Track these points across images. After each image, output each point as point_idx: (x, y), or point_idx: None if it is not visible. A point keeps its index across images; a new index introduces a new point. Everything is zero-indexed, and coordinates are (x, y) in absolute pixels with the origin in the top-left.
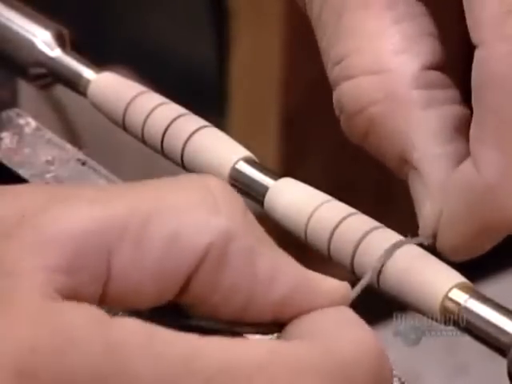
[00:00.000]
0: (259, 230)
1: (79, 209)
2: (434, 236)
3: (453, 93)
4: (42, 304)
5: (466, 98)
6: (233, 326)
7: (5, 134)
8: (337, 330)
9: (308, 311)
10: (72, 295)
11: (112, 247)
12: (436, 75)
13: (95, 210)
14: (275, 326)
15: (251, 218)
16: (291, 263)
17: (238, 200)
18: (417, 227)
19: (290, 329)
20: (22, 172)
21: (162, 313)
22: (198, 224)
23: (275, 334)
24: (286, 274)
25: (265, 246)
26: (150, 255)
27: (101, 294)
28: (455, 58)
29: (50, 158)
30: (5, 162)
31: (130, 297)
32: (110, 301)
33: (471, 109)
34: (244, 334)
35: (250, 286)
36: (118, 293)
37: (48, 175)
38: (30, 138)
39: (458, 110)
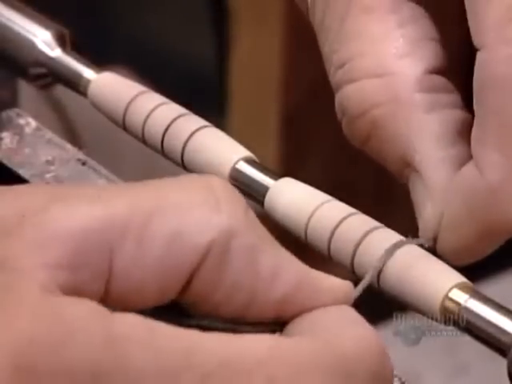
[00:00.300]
0: (261, 229)
1: (80, 208)
2: (435, 239)
3: (455, 97)
4: (42, 298)
5: (466, 102)
6: (234, 325)
7: (5, 134)
8: (338, 327)
9: (310, 309)
10: (74, 293)
11: (113, 245)
12: (438, 79)
13: (96, 208)
14: (277, 325)
15: (253, 216)
16: (293, 261)
17: (239, 199)
18: (417, 228)
19: (291, 327)
20: (22, 172)
21: (163, 313)
22: (199, 222)
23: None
24: (288, 271)
25: (266, 244)
26: (152, 253)
27: (103, 293)
28: (455, 63)
29: (50, 157)
30: (5, 161)
31: (133, 295)
32: (112, 300)
33: (472, 113)
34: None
35: (252, 283)
36: (120, 292)
37: (48, 175)
38: (30, 137)
39: (459, 114)
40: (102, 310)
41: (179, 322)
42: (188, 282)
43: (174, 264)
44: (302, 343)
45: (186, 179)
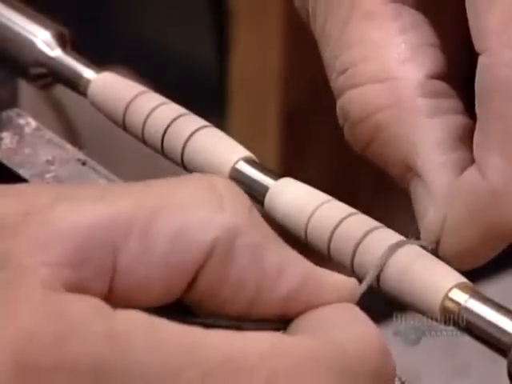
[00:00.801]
0: (265, 226)
1: (84, 206)
2: (437, 243)
3: (455, 102)
4: (44, 295)
5: (466, 107)
6: (239, 324)
7: (5, 134)
8: (340, 325)
9: (315, 306)
10: (77, 290)
11: (118, 243)
12: (439, 84)
13: (100, 207)
14: (281, 322)
15: (256, 214)
16: (298, 258)
17: (243, 197)
18: (416, 229)
19: (296, 324)
20: (22, 172)
21: (167, 312)
22: (203, 220)
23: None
24: (293, 268)
25: (271, 242)
26: (156, 251)
27: (107, 291)
28: (454, 68)
29: (50, 157)
30: (5, 161)
31: (137, 293)
32: (116, 298)
33: (472, 118)
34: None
35: (257, 280)
36: (124, 289)
37: (48, 175)
38: (30, 137)
39: (460, 119)
40: (104, 307)
41: (183, 321)
42: (193, 280)
43: (178, 262)
44: (303, 340)
45: (189, 178)
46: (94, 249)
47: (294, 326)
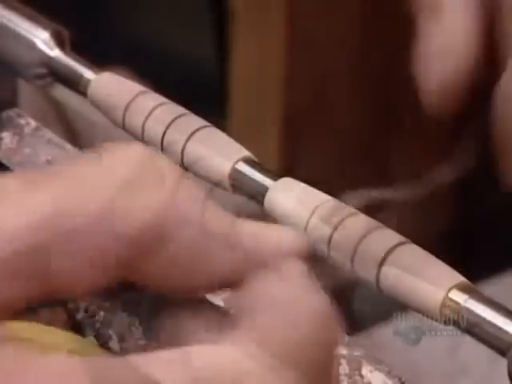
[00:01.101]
0: (200, 194)
1: (6, 213)
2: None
3: None
4: None
5: None
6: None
7: (5, 134)
8: (276, 310)
9: (265, 264)
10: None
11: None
12: None
13: (20, 213)
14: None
15: (188, 183)
16: (240, 220)
17: (171, 168)
18: (414, 231)
19: (242, 301)
20: None
21: (135, 306)
22: (131, 202)
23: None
24: (239, 228)
25: (210, 207)
26: (82, 240)
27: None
28: None
29: (50, 157)
30: (5, 162)
31: (70, 287)
32: (51, 290)
33: None
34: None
35: (205, 249)
36: (58, 284)
37: None
38: (30, 138)
39: None
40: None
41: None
42: (135, 266)
43: (106, 244)
44: (236, 341)
45: (107, 157)
46: (22, 259)
47: (240, 302)
